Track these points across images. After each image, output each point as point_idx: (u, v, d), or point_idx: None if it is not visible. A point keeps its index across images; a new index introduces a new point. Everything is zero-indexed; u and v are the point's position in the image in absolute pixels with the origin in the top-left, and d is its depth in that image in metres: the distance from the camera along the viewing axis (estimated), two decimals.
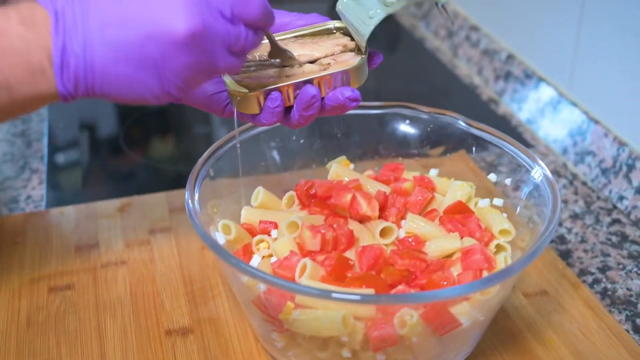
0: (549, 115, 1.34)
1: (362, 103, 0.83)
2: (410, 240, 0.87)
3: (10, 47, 0.67)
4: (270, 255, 0.87)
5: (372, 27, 0.80)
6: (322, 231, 0.83)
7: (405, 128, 1.02)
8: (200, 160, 0.90)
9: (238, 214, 0.93)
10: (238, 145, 0.93)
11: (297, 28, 0.85)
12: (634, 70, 1.16)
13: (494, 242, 0.88)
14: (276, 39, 0.82)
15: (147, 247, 1.04)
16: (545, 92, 1.37)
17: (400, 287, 0.79)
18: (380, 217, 0.90)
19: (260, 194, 0.95)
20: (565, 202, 1.17)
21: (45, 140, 1.35)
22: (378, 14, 0.80)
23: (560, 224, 1.11)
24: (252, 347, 0.88)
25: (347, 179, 0.97)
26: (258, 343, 0.88)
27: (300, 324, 0.77)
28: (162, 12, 0.67)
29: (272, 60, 0.82)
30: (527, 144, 1.32)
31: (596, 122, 1.24)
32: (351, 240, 0.85)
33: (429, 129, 1.01)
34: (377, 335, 0.75)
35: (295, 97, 0.80)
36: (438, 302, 0.76)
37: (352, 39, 0.85)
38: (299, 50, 0.83)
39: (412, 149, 1.02)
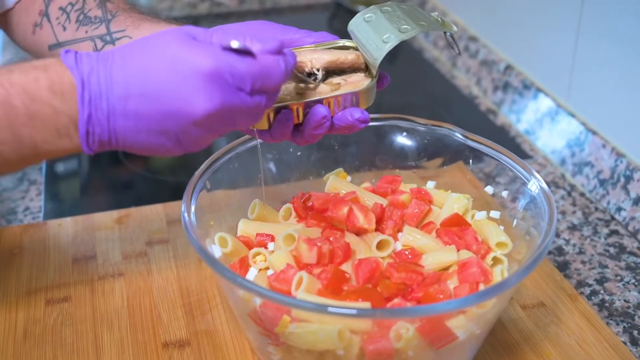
0: (547, 126, 1.34)
1: None
2: (406, 253, 0.87)
3: (40, 113, 0.69)
4: (267, 268, 0.87)
5: (385, 52, 0.81)
6: (319, 244, 0.83)
7: (403, 140, 1.02)
8: (197, 172, 0.90)
9: (235, 227, 0.93)
10: (259, 155, 0.94)
11: (307, 45, 0.85)
12: (631, 81, 1.16)
13: (491, 255, 0.88)
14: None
15: (144, 259, 1.04)
16: (544, 103, 1.37)
17: (396, 300, 0.79)
18: (377, 229, 0.90)
19: (257, 206, 0.95)
20: (563, 213, 1.17)
21: None
22: (392, 39, 0.80)
23: (558, 235, 1.11)
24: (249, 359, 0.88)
25: (344, 192, 0.97)
26: (255, 356, 0.88)
27: (296, 338, 0.77)
28: (182, 92, 0.69)
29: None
30: (526, 155, 1.32)
31: (594, 133, 1.24)
32: (348, 253, 0.85)
33: (426, 141, 1.01)
34: (373, 349, 0.75)
35: (304, 116, 0.81)
36: (434, 316, 0.75)
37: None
38: (312, 55, 0.83)
39: (410, 161, 1.02)
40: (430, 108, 1.52)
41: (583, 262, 1.06)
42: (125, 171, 1.33)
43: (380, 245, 0.87)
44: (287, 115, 0.80)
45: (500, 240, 0.88)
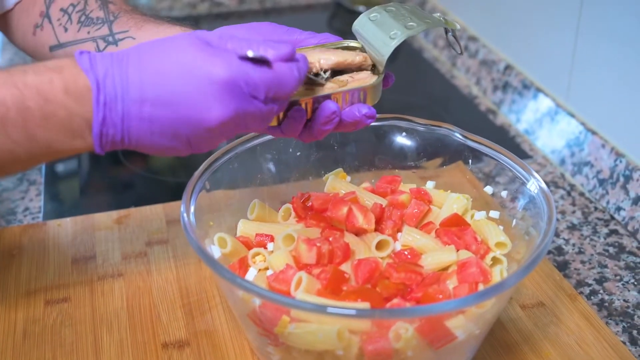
0: (546, 126, 1.34)
1: None
2: (406, 253, 0.87)
3: (54, 114, 0.70)
4: (266, 268, 0.87)
5: (392, 47, 0.82)
6: (318, 244, 0.83)
7: (402, 140, 1.02)
8: (197, 173, 0.90)
9: (234, 227, 0.93)
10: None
11: (311, 45, 0.85)
12: (631, 81, 1.16)
13: (490, 255, 0.88)
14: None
15: (144, 260, 1.04)
16: (543, 103, 1.37)
17: (395, 301, 0.79)
18: (376, 229, 0.90)
19: (256, 206, 0.95)
20: (562, 213, 1.17)
21: None
22: (399, 35, 0.81)
23: (557, 235, 1.11)
24: None
25: (343, 192, 0.97)
26: (254, 356, 0.88)
27: (295, 338, 0.77)
28: (197, 100, 0.70)
29: None
30: (525, 155, 1.32)
31: (594, 133, 1.24)
32: (347, 253, 0.85)
33: (425, 141, 1.01)
34: (372, 349, 0.75)
35: (313, 111, 0.81)
36: (433, 316, 0.76)
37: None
38: (320, 55, 0.83)
39: (409, 161, 1.02)
40: (429, 108, 1.53)
41: (582, 262, 1.06)
42: (124, 171, 1.33)
43: (379, 246, 0.87)
44: (299, 111, 0.80)
45: (500, 240, 0.88)
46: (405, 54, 1.75)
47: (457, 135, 0.98)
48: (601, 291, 1.01)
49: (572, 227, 1.13)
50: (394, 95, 1.51)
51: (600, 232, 1.12)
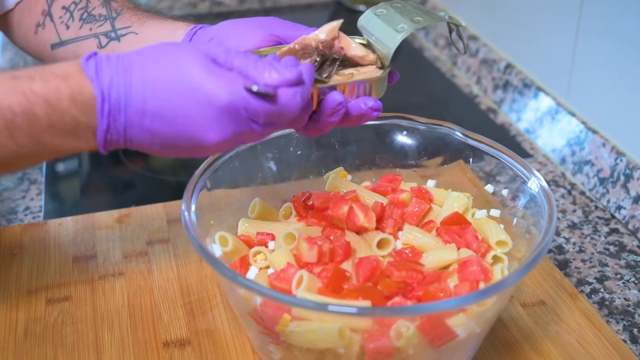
0: (547, 125, 1.34)
1: None
2: (407, 251, 0.87)
3: (60, 121, 0.71)
4: (268, 267, 0.87)
5: (400, 40, 0.82)
6: (319, 243, 0.83)
7: (403, 139, 1.02)
8: (198, 172, 0.90)
9: (235, 226, 0.93)
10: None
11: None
12: (631, 80, 1.16)
13: (491, 253, 0.88)
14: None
15: (145, 259, 1.04)
16: (544, 102, 1.37)
17: (396, 299, 0.79)
18: (377, 228, 0.90)
19: (257, 205, 0.95)
20: (563, 211, 1.17)
21: None
22: (406, 29, 0.82)
23: (558, 234, 1.11)
24: (250, 358, 0.88)
25: (344, 190, 0.97)
26: (255, 355, 0.88)
27: (296, 336, 0.77)
28: (196, 121, 0.72)
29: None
30: (526, 154, 1.32)
31: (594, 131, 1.24)
32: (348, 251, 0.85)
33: (426, 140, 1.01)
34: (374, 347, 0.75)
35: (318, 103, 0.80)
36: (434, 314, 0.76)
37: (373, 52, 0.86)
38: (318, 30, 0.84)
39: (410, 160, 1.03)
40: (430, 107, 1.53)
41: (583, 261, 1.06)
42: (125, 171, 1.34)
43: (380, 244, 0.87)
44: (307, 102, 0.80)
45: (501, 238, 0.89)
46: (405, 53, 1.75)
47: (458, 134, 0.98)
48: (602, 290, 1.01)
49: (572, 226, 1.13)
50: (395, 94, 1.50)
51: (600, 230, 1.12)
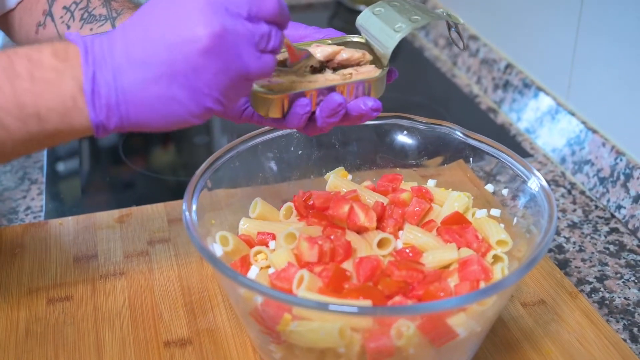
0: (547, 125, 1.34)
1: None
2: (407, 251, 0.87)
3: (43, 77, 0.68)
4: (268, 267, 0.87)
5: (398, 40, 0.82)
6: (320, 242, 0.83)
7: (403, 139, 1.02)
8: (198, 171, 0.90)
9: (236, 225, 0.94)
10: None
11: (316, 40, 0.86)
12: (631, 79, 1.16)
13: (491, 253, 0.88)
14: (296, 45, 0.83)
15: (145, 258, 1.04)
16: (544, 102, 1.37)
17: (397, 298, 0.79)
18: (377, 228, 0.91)
19: (258, 205, 0.96)
20: (563, 211, 1.17)
21: (44, 151, 1.35)
22: (404, 28, 0.82)
23: (558, 233, 1.12)
24: (251, 358, 0.88)
25: (345, 190, 0.97)
26: (256, 354, 0.89)
27: (297, 336, 0.77)
28: (181, 24, 0.68)
29: (291, 65, 0.83)
30: (526, 153, 1.32)
31: (594, 131, 1.24)
32: (349, 251, 0.85)
33: (426, 140, 1.01)
34: (374, 346, 0.75)
35: (318, 104, 0.81)
36: (435, 314, 0.76)
37: (370, 53, 0.86)
38: (320, 48, 0.84)
39: (410, 160, 1.03)
40: (430, 107, 1.53)
41: (583, 260, 1.07)
42: (126, 170, 1.34)
43: (381, 244, 0.87)
44: (304, 103, 0.79)
45: (501, 238, 0.89)
46: (405, 53, 1.75)
47: (458, 133, 0.98)
48: (602, 289, 1.01)
49: (572, 226, 1.14)
50: (395, 94, 1.51)
51: (600, 230, 1.13)
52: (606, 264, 1.06)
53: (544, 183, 0.88)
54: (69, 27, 0.96)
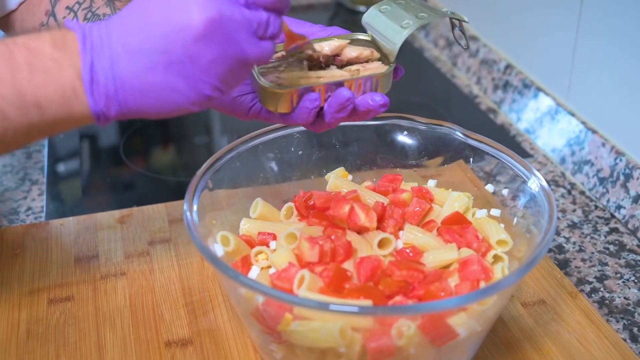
0: (547, 125, 1.35)
1: None
2: (408, 251, 0.87)
3: (42, 66, 0.68)
4: (269, 267, 0.87)
5: (405, 36, 0.83)
6: (320, 242, 0.83)
7: (403, 139, 1.02)
8: (199, 172, 0.90)
9: (237, 226, 0.94)
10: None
11: (322, 37, 0.86)
12: (631, 80, 1.16)
13: (491, 253, 0.88)
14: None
15: (146, 259, 1.04)
16: (544, 102, 1.37)
17: (397, 298, 0.79)
18: (378, 228, 0.91)
19: (259, 205, 0.96)
20: (563, 211, 1.17)
21: (45, 151, 1.35)
22: (411, 25, 0.83)
23: (558, 233, 1.12)
24: (252, 358, 0.88)
25: (345, 190, 0.97)
26: (257, 354, 0.89)
27: (298, 336, 0.77)
28: (177, 10, 0.67)
29: (293, 58, 0.83)
30: (526, 154, 1.33)
31: (594, 131, 1.24)
32: (349, 251, 0.85)
33: (426, 140, 1.01)
34: (375, 346, 0.75)
35: (326, 99, 0.81)
36: (435, 313, 0.76)
37: (377, 51, 0.86)
38: (327, 42, 0.84)
39: (410, 160, 1.03)
40: (430, 107, 1.53)
41: (583, 260, 1.07)
42: (126, 171, 1.34)
43: (381, 244, 0.87)
44: (313, 98, 0.79)
45: (501, 238, 0.89)
46: (406, 53, 1.75)
47: (458, 134, 0.98)
48: (602, 289, 1.02)
49: (572, 226, 1.14)
50: (395, 94, 1.51)
51: (600, 230, 1.13)
52: (606, 264, 1.06)
53: (544, 183, 0.89)
54: None
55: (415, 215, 0.93)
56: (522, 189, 0.92)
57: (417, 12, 0.84)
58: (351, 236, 0.88)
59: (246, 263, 0.87)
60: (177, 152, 1.44)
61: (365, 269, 0.82)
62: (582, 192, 1.22)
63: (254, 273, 0.86)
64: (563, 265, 1.06)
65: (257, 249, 0.89)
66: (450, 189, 0.98)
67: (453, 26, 0.89)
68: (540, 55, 1.41)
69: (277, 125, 0.97)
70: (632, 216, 1.12)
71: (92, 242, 1.08)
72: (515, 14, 1.48)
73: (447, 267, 0.86)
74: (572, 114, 1.30)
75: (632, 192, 1.13)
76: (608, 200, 1.17)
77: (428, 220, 0.94)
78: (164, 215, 1.13)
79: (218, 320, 0.94)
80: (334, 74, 0.83)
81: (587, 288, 1.02)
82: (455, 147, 0.99)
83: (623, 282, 1.03)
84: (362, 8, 1.94)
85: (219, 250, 0.87)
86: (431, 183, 1.01)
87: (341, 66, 0.85)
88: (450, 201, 0.95)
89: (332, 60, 0.85)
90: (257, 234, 0.92)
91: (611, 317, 0.97)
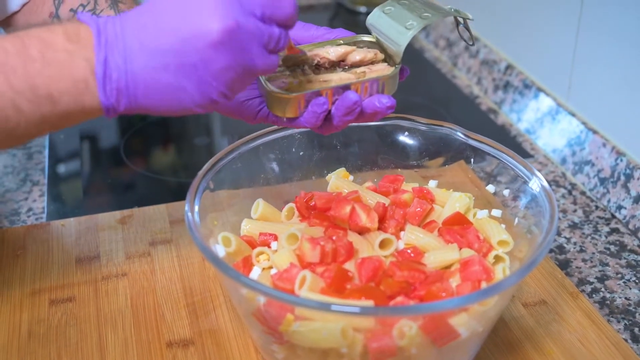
0: (547, 125, 1.35)
1: None
2: (409, 251, 0.87)
3: (55, 59, 0.69)
4: (270, 267, 0.88)
5: (410, 37, 0.83)
6: (322, 243, 0.84)
7: (404, 139, 1.02)
8: (200, 172, 0.90)
9: (238, 226, 0.94)
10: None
11: (327, 40, 0.87)
12: (631, 80, 1.16)
13: (493, 253, 0.88)
14: (310, 48, 0.84)
15: (147, 259, 1.04)
16: (544, 102, 1.37)
17: (399, 299, 0.80)
18: (379, 228, 0.91)
19: (260, 205, 0.96)
20: (564, 211, 1.17)
21: (46, 152, 1.35)
22: (415, 25, 0.83)
23: (559, 234, 1.12)
24: (253, 358, 0.88)
25: (346, 191, 0.97)
26: (259, 354, 0.89)
27: (299, 336, 0.77)
28: (196, 15, 0.68)
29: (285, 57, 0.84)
30: (527, 154, 1.33)
31: (594, 132, 1.24)
32: (350, 252, 0.85)
33: (427, 141, 1.01)
34: (376, 346, 0.75)
35: (333, 103, 0.81)
36: (437, 314, 0.76)
37: (381, 52, 0.86)
38: (330, 49, 0.84)
39: (411, 160, 1.03)
40: (431, 108, 1.53)
41: (584, 260, 1.07)
42: (127, 172, 1.34)
43: (382, 244, 0.87)
44: (321, 101, 0.80)
45: (502, 238, 0.89)
46: (406, 54, 1.75)
47: (459, 134, 0.98)
48: (603, 289, 1.02)
49: (573, 226, 1.14)
50: (396, 96, 1.51)
51: (601, 230, 1.13)
52: (607, 264, 1.06)
53: (545, 183, 0.89)
54: None
55: (416, 216, 0.93)
56: (523, 189, 0.92)
57: (420, 12, 0.84)
58: (352, 237, 0.88)
59: (247, 264, 0.87)
60: (178, 152, 1.44)
61: (366, 270, 0.82)
62: (582, 193, 1.22)
63: (255, 274, 0.86)
64: (564, 265, 1.06)
65: (258, 249, 0.89)
66: (451, 190, 0.98)
67: (458, 24, 0.89)
68: (540, 55, 1.41)
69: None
70: (633, 216, 1.12)
71: (93, 242, 1.08)
72: (516, 14, 1.48)
73: (448, 267, 0.86)
74: (573, 114, 1.30)
75: (633, 193, 1.13)
76: (609, 201, 1.17)
77: (429, 221, 0.94)
78: (165, 215, 1.13)
79: (219, 320, 0.94)
80: (340, 76, 0.83)
81: (588, 288, 1.02)
82: (456, 147, 0.99)
83: (624, 282, 1.03)
84: (362, 8, 1.94)
85: (220, 250, 0.87)
86: (432, 183, 1.01)
87: (347, 68, 0.85)
88: (452, 202, 0.95)
89: (337, 63, 0.85)
90: (259, 235, 0.92)
91: (612, 317, 0.97)
